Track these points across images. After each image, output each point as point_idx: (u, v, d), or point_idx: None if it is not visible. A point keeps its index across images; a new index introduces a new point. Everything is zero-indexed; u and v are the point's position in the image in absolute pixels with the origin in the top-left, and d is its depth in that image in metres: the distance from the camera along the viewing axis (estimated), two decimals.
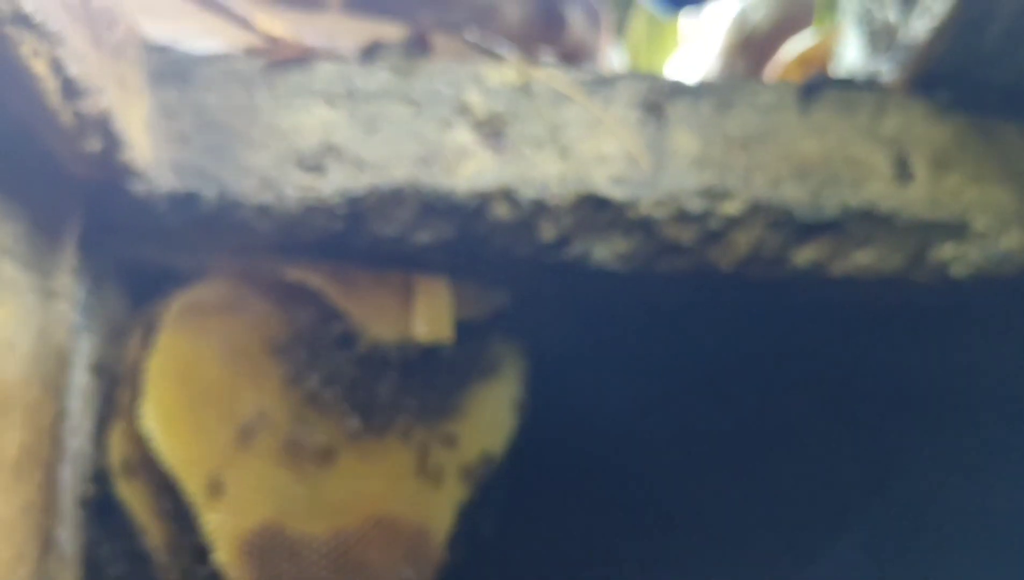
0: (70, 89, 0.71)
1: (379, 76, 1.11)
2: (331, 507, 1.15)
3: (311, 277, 1.14)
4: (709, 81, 1.12)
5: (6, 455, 0.81)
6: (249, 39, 1.16)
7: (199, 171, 1.04)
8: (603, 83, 1.11)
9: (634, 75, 1.12)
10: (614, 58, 2.02)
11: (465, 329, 1.24)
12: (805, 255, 1.08)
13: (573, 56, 1.19)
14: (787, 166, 1.08)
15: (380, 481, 1.19)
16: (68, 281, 0.95)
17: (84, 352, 1.01)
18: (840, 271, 1.08)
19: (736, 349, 1.40)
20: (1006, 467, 1.56)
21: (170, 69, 1.09)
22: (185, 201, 1.03)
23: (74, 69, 0.70)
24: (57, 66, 0.67)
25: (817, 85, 1.11)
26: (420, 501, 1.23)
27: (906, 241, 1.07)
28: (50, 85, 0.67)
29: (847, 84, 1.13)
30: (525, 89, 1.10)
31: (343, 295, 1.16)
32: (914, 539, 1.59)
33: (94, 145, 0.79)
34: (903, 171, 1.09)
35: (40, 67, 0.65)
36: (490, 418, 1.32)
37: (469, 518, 1.30)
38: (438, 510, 1.26)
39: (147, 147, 0.95)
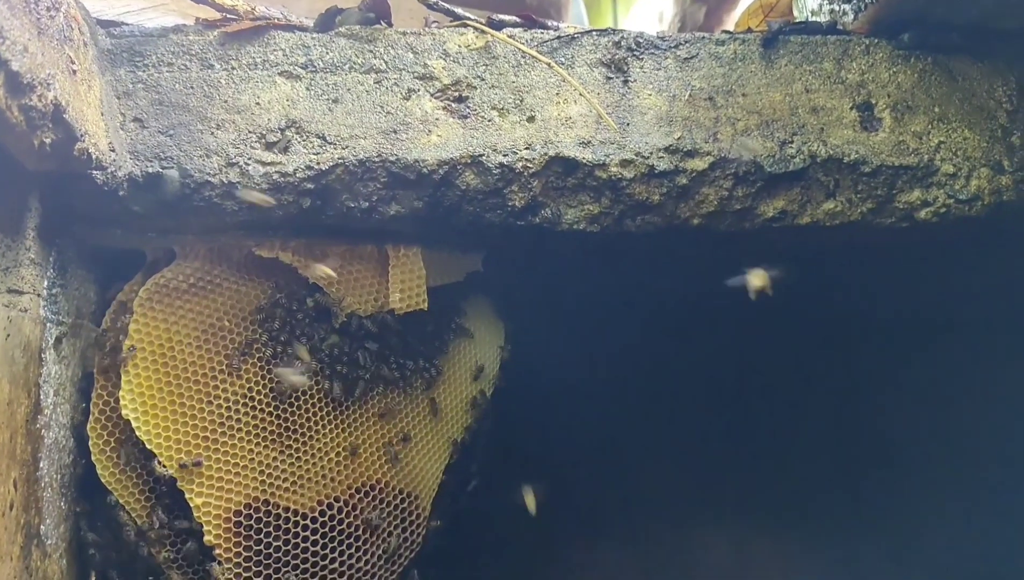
0: (15, 84, 0.68)
1: (338, 44, 1.08)
2: (317, 479, 1.16)
3: (283, 253, 1.13)
4: (672, 35, 1.10)
5: None
6: (200, 10, 1.12)
7: (158, 154, 1.01)
8: (566, 42, 1.09)
9: (596, 31, 1.10)
10: (581, 9, 1.98)
11: (441, 294, 1.24)
12: (774, 206, 1.08)
13: (541, 15, 1.17)
14: (754, 118, 1.07)
15: (365, 449, 1.20)
16: (31, 275, 0.93)
17: (54, 344, 1.00)
18: (809, 220, 1.08)
19: (708, 299, 1.41)
20: (971, 390, 1.60)
21: (120, 47, 1.05)
22: (145, 185, 1.01)
23: (17, 63, 0.67)
24: None
25: (780, 33, 1.10)
26: (405, 466, 1.24)
27: (874, 188, 1.07)
28: None
29: (810, 30, 1.12)
30: (488, 52, 1.08)
31: (316, 267, 1.15)
32: (884, 461, 1.62)
33: (47, 138, 0.76)
34: (869, 117, 1.09)
35: None
36: (469, 379, 1.32)
37: (454, 478, 1.31)
38: (423, 473, 1.27)
39: (102, 132, 0.93)
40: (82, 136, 0.83)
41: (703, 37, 1.11)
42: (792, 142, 1.07)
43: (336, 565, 1.15)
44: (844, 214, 1.08)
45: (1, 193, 0.84)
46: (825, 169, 1.07)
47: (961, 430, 1.62)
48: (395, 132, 1.04)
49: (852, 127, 1.08)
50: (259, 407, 1.13)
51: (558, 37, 1.09)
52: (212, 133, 1.03)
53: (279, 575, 1.11)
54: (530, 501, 1.12)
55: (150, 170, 1.01)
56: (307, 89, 1.05)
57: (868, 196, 1.07)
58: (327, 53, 1.07)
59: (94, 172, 0.93)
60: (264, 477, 1.13)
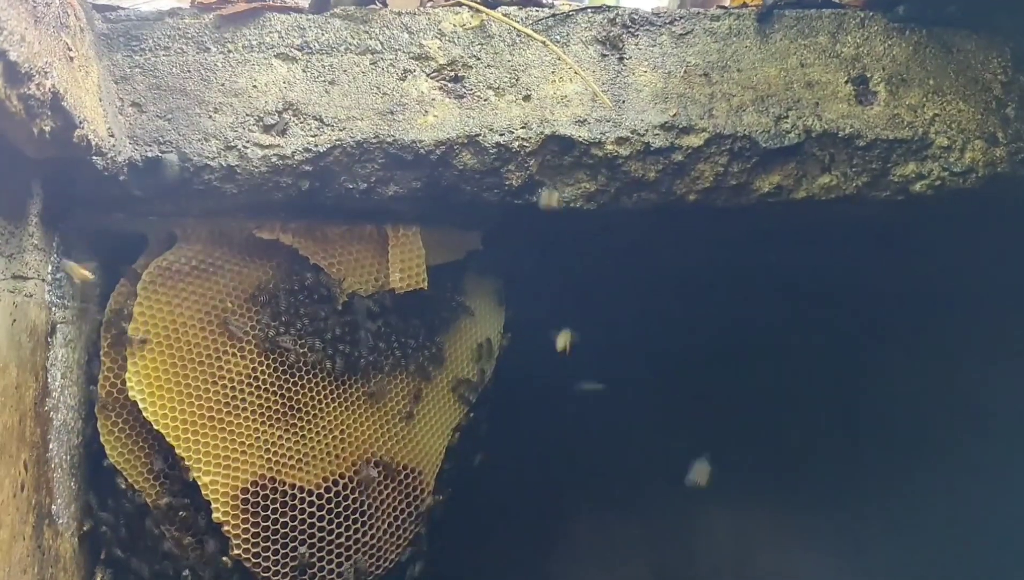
0: (13, 74, 0.69)
1: (334, 26, 1.08)
2: (322, 456, 1.18)
3: (283, 235, 1.14)
4: (667, 11, 1.11)
5: None
6: None
7: (157, 138, 1.02)
8: (561, 20, 1.09)
9: (591, 9, 1.10)
10: None
11: (441, 274, 1.25)
12: (769, 181, 1.08)
13: None
14: (749, 94, 1.08)
15: (369, 426, 1.22)
16: (35, 260, 0.95)
17: (59, 327, 1.01)
18: (804, 194, 1.09)
19: (710, 273, 1.42)
20: (972, 358, 1.61)
21: (117, 31, 1.06)
22: (145, 169, 1.02)
23: (15, 53, 0.68)
24: None
25: (775, 8, 1.10)
26: (409, 442, 1.26)
27: (869, 161, 1.08)
28: None
29: (805, 4, 1.12)
30: (483, 31, 1.08)
31: (317, 250, 1.16)
32: (884, 432, 1.64)
33: (46, 126, 0.77)
34: (864, 91, 1.09)
35: None
36: (471, 356, 1.34)
37: (457, 453, 1.33)
38: (427, 449, 1.29)
39: (101, 118, 0.93)
40: (81, 123, 0.83)
41: (698, 13, 1.11)
42: (787, 117, 1.08)
43: (343, 540, 1.17)
44: (839, 188, 1.08)
45: (3, 181, 0.85)
46: (820, 144, 1.07)
47: (961, 399, 1.63)
48: (392, 113, 1.05)
49: (847, 101, 1.08)
50: (263, 386, 1.15)
51: (553, 15, 1.10)
52: (210, 116, 1.04)
53: (287, 550, 1.14)
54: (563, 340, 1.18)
55: (149, 154, 1.02)
56: (303, 71, 1.06)
57: (863, 170, 1.08)
58: (323, 34, 1.08)
59: (94, 158, 0.94)
60: (270, 455, 1.15)
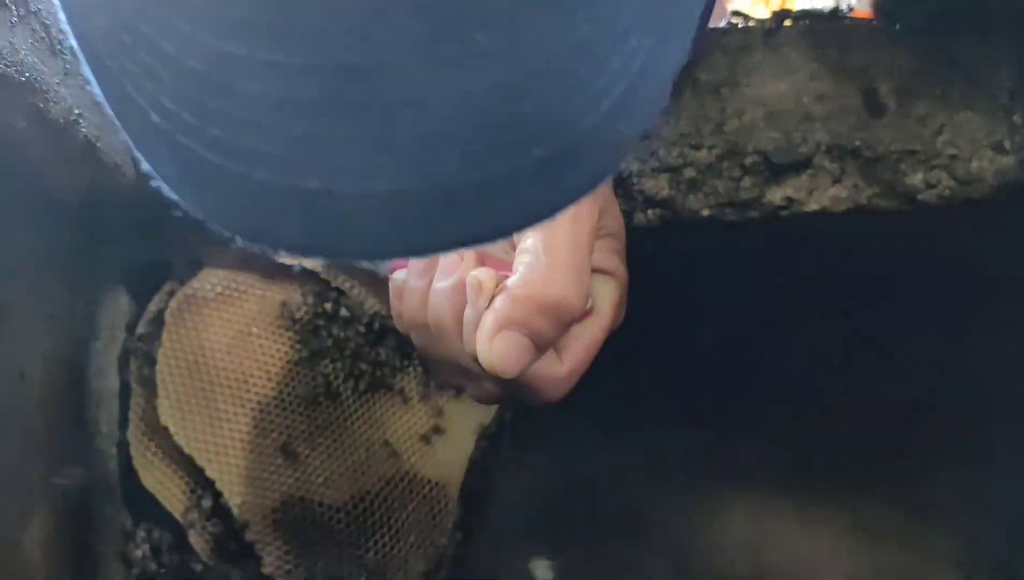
0: (51, 129, 0.71)
1: None
2: (349, 474, 1.21)
3: (305, 259, 1.16)
4: None
5: (32, 479, 0.85)
6: None
7: None
8: None
9: None
10: None
11: None
12: (781, 194, 1.10)
13: None
14: (759, 109, 1.09)
15: (393, 443, 1.25)
16: (67, 296, 0.97)
17: (93, 359, 1.04)
18: (816, 206, 1.11)
19: (720, 275, 1.44)
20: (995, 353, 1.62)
21: None
22: (171, 201, 1.04)
23: (52, 111, 0.70)
24: (35, 113, 0.68)
25: (783, 22, 1.12)
26: (432, 457, 1.29)
27: (879, 172, 1.09)
28: (32, 131, 0.68)
29: (812, 17, 1.14)
30: None
31: (337, 273, 1.19)
32: (905, 426, 1.65)
33: (80, 173, 0.80)
34: (873, 102, 1.10)
35: (19, 120, 0.65)
36: None
37: (479, 469, 1.36)
38: (450, 464, 1.32)
39: (129, 157, 0.96)
40: (113, 168, 0.86)
41: (709, 28, 1.12)
42: (798, 131, 1.09)
43: (372, 554, 1.20)
44: (850, 199, 1.10)
45: (39, 221, 0.87)
46: (830, 156, 1.09)
47: (984, 394, 1.64)
48: None
49: (856, 113, 1.10)
50: (290, 408, 1.18)
51: None
52: None
53: (317, 567, 1.17)
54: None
55: None
56: None
57: (873, 181, 1.09)
58: None
59: (124, 194, 0.96)
60: (298, 475, 1.17)
